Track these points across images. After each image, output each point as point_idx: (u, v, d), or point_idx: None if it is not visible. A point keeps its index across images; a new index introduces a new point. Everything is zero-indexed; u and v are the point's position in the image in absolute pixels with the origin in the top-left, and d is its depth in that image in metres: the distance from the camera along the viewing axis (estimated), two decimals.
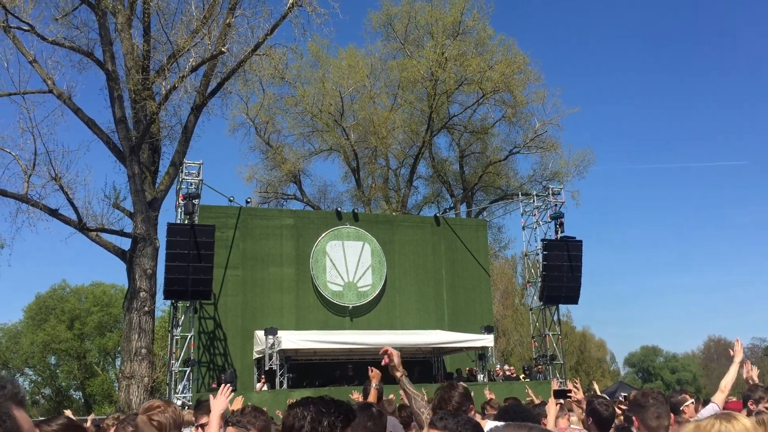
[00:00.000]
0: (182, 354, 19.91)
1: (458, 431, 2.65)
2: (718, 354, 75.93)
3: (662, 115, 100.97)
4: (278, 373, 19.62)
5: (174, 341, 20.34)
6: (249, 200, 24.35)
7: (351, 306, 23.69)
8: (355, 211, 25.74)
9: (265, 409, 4.32)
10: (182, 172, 20.93)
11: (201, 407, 6.54)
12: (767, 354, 63.58)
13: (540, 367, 24.38)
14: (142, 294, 21.36)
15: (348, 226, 24.46)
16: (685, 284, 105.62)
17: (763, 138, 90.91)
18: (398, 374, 4.26)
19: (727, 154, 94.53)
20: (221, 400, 4.37)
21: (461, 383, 4.50)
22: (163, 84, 21.62)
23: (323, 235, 24.00)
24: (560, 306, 25.61)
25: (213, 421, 4.27)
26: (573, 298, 24.70)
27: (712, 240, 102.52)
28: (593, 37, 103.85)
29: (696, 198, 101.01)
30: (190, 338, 20.22)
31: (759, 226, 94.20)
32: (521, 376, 23.84)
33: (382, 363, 4.34)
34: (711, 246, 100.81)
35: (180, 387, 19.42)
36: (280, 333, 20.04)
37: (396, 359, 4.26)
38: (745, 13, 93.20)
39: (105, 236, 22.08)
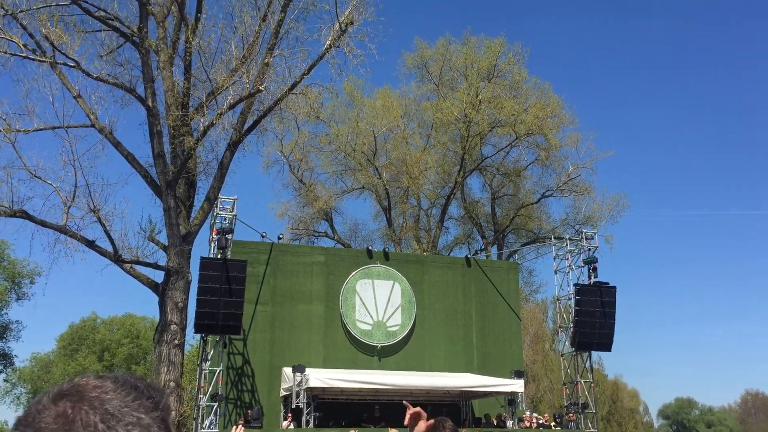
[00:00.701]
0: (210, 389, 19.88)
1: None
2: (756, 408, 73.48)
3: (698, 160, 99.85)
4: (305, 412, 19.45)
5: (202, 375, 20.35)
6: (281, 236, 24.51)
7: (379, 345, 23.52)
8: (386, 250, 25.73)
9: None
10: (217, 207, 21.21)
11: None
12: None
13: (572, 415, 23.82)
14: (172, 327, 21.48)
15: (378, 264, 24.44)
16: (722, 334, 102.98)
17: None
18: None
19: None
20: None
21: (450, 422, 4.22)
22: (202, 120, 22.05)
23: (353, 273, 23.99)
24: (592, 353, 25.11)
25: None
26: (606, 345, 24.21)
27: (750, 290, 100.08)
28: (630, 80, 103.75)
29: (733, 246, 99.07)
30: (219, 373, 20.21)
31: None
32: (552, 425, 23.31)
33: (405, 423, 3.93)
34: (747, 296, 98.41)
35: (207, 422, 19.35)
36: (307, 371, 19.94)
37: (419, 423, 3.83)
38: None
39: (139, 268, 22.35)
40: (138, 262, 21.95)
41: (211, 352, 20.56)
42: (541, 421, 23.12)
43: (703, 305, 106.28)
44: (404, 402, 4.32)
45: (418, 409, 3.97)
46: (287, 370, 20.99)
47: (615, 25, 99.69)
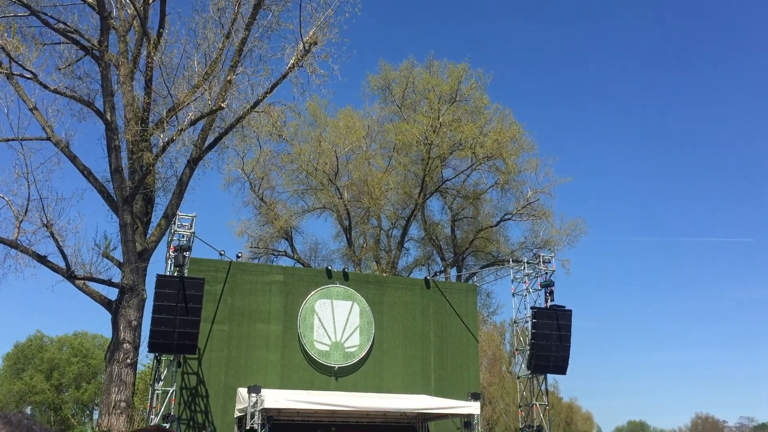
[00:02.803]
0: (162, 409, 19.46)
1: None
2: (705, 431, 74.88)
3: (656, 189, 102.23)
4: None
5: (155, 395, 19.90)
6: (240, 255, 24.26)
7: (337, 366, 23.36)
8: (346, 270, 25.66)
9: None
10: (174, 224, 20.90)
11: None
12: None
13: None
14: (125, 345, 21.02)
15: (338, 285, 24.35)
16: (674, 359, 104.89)
17: (761, 216, 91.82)
18: None
19: (722, 230, 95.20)
20: None
21: None
22: (161, 136, 21.79)
23: (312, 293, 23.86)
24: (548, 376, 25.33)
25: None
26: (561, 368, 24.45)
27: (701, 316, 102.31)
28: (590, 109, 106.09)
29: (687, 273, 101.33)
30: (172, 393, 19.80)
31: (748, 304, 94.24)
32: None
33: None
34: (699, 322, 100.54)
35: None
36: (263, 391, 19.67)
37: None
38: (744, 82, 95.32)
39: (92, 285, 21.86)
40: (91, 279, 21.48)
41: (165, 372, 20.15)
42: None
43: (658, 330, 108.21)
44: None
45: None
46: (242, 391, 20.68)
47: (576, 55, 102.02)
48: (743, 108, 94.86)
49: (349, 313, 24.13)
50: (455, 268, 37.59)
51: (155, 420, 19.35)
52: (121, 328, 21.10)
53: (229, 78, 21.75)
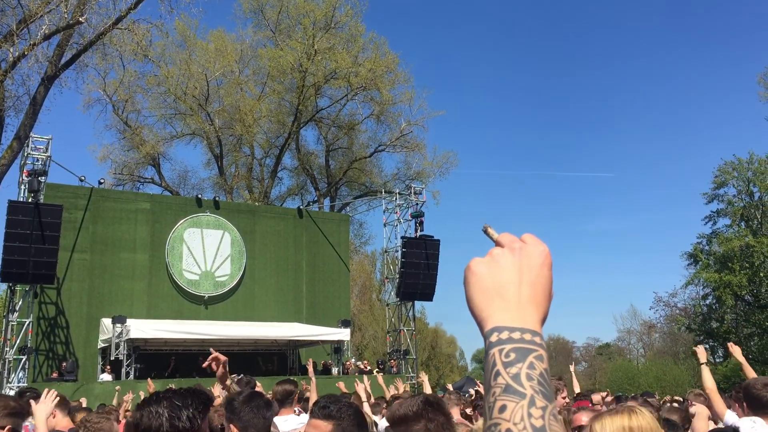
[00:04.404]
0: (18, 341, 18.53)
1: (340, 417, 2.61)
2: (556, 352, 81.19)
3: (526, 125, 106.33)
4: (125, 364, 18.76)
5: (9, 327, 18.88)
6: (102, 181, 23.10)
7: (207, 296, 23.10)
8: (217, 199, 25.11)
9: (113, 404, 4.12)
10: (28, 146, 19.46)
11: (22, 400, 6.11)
12: (600, 353, 68.67)
13: (393, 361, 24.94)
14: None
15: (208, 214, 23.82)
16: None
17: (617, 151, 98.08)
18: (227, 382, 4.09)
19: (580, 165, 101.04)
20: (45, 406, 4.09)
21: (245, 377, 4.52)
22: (11, 50, 19.98)
23: (181, 221, 23.22)
24: (415, 302, 26.33)
25: (39, 427, 4.00)
26: (428, 296, 25.48)
27: (554, 245, 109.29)
28: (464, 43, 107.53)
29: (551, 205, 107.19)
30: (28, 324, 18.86)
31: (596, 234, 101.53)
32: (375, 371, 24.26)
33: (204, 365, 4.18)
34: (553, 251, 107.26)
35: (14, 377, 18.07)
36: (129, 321, 19.18)
37: (221, 369, 4.08)
38: (601, 13, 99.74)
39: None
40: None
41: (20, 303, 19.10)
42: (361, 368, 23.98)
43: None
44: (210, 349, 4.41)
45: (215, 354, 4.08)
46: (106, 321, 20.06)
47: None
48: (609, 39, 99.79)
49: (220, 243, 23.76)
50: (329, 198, 37.70)
51: (10, 352, 18.43)
52: None
53: None
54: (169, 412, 2.20)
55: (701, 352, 5.92)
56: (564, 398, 5.78)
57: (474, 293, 1.00)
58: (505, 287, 0.98)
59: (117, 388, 13.85)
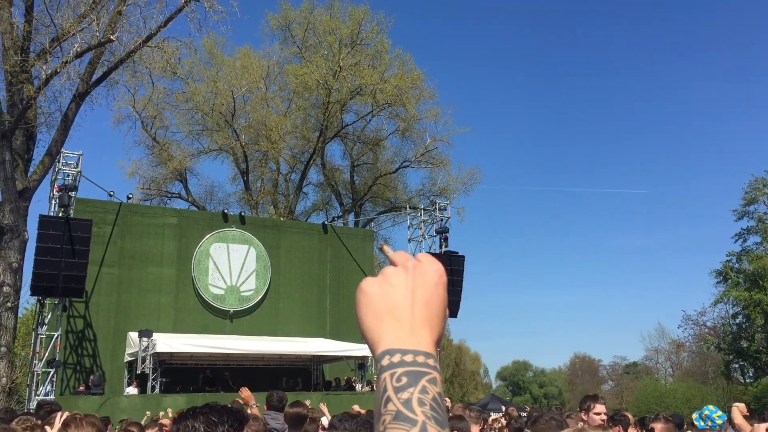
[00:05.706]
0: (47, 354, 18.76)
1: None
2: (582, 370, 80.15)
3: (551, 141, 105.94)
4: (150, 377, 18.89)
5: (38, 340, 19.13)
6: (130, 196, 23.39)
7: (232, 310, 23.21)
8: (242, 214, 25.29)
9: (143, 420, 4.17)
10: (59, 162, 19.81)
11: (41, 413, 6.12)
12: (627, 372, 67.67)
13: None
14: (5, 289, 20.00)
15: (234, 228, 24.00)
16: (556, 302, 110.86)
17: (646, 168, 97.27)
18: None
19: (600, 182, 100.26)
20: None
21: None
22: (44, 68, 20.40)
23: (207, 236, 23.41)
24: None
25: None
26: (453, 312, 25.32)
27: (580, 262, 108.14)
28: (490, 61, 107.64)
29: (574, 221, 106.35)
30: (57, 338, 19.09)
31: (623, 251, 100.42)
32: None
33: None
34: (579, 269, 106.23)
35: (42, 389, 18.27)
36: (155, 335, 19.32)
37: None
38: (640, 36, 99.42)
39: None
40: None
41: (49, 316, 19.35)
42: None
43: (542, 274, 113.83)
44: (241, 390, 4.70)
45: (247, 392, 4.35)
46: (133, 335, 20.23)
47: (481, 5, 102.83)
48: (633, 65, 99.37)
49: (245, 258, 23.90)
50: (353, 213, 37.78)
51: (39, 365, 18.66)
52: (1, 270, 20.05)
53: (118, 9, 20.57)
54: (205, 427, 2.26)
55: (736, 413, 5.54)
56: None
57: (365, 315, 0.95)
58: (397, 307, 0.93)
59: (147, 413, 13.89)
